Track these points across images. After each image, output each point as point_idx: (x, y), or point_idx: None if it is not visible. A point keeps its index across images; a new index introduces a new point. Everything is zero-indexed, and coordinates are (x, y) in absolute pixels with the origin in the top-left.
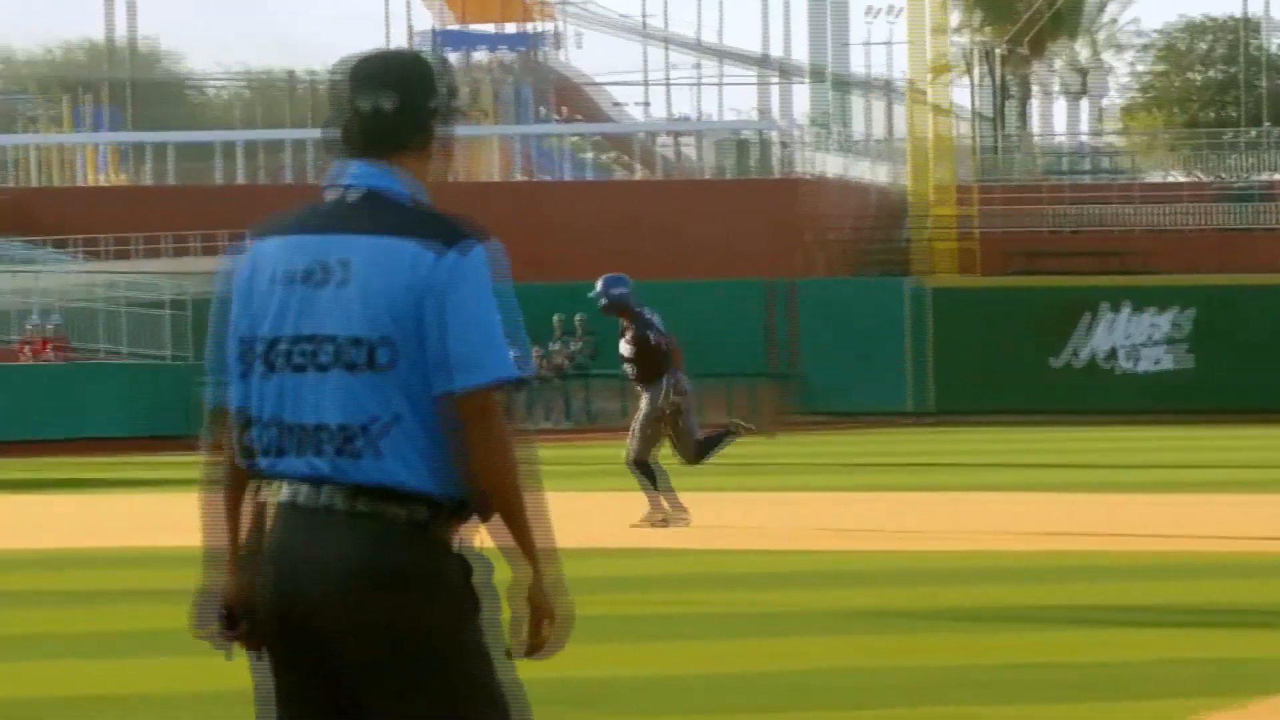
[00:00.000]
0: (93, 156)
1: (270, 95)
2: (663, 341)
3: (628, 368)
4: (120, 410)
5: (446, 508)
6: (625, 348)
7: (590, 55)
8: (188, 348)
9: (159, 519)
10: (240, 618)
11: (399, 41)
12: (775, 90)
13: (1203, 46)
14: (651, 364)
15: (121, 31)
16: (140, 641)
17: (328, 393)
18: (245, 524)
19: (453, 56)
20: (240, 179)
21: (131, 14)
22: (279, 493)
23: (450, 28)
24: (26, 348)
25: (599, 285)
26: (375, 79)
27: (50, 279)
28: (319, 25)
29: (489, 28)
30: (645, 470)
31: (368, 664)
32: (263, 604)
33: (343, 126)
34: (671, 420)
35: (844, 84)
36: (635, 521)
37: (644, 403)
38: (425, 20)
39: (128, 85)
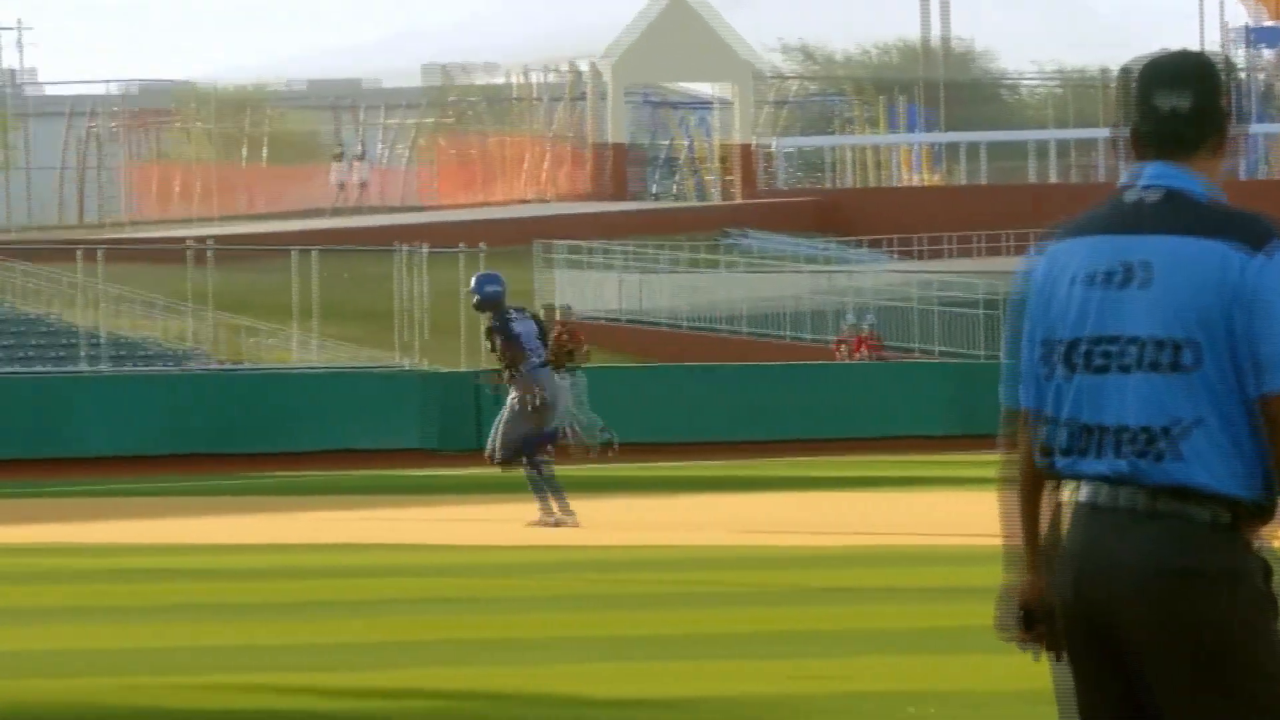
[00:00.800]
0: (907, 157)
1: (1083, 93)
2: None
3: None
4: (933, 409)
5: (1247, 509)
6: None
7: None
8: (1001, 347)
9: (970, 516)
10: (1038, 618)
11: (1212, 38)
12: None
13: None
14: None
15: (936, 32)
16: (953, 638)
17: (1129, 394)
18: (1043, 524)
19: (1266, 54)
20: (1053, 178)
21: (945, 15)
22: (1077, 493)
23: (1266, 24)
24: (843, 346)
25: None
26: (1172, 79)
27: (865, 278)
28: (1130, 20)
29: None
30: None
31: (1166, 664)
32: (1062, 605)
33: (1136, 126)
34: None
35: None
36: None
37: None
38: (1239, 16)
39: (941, 86)
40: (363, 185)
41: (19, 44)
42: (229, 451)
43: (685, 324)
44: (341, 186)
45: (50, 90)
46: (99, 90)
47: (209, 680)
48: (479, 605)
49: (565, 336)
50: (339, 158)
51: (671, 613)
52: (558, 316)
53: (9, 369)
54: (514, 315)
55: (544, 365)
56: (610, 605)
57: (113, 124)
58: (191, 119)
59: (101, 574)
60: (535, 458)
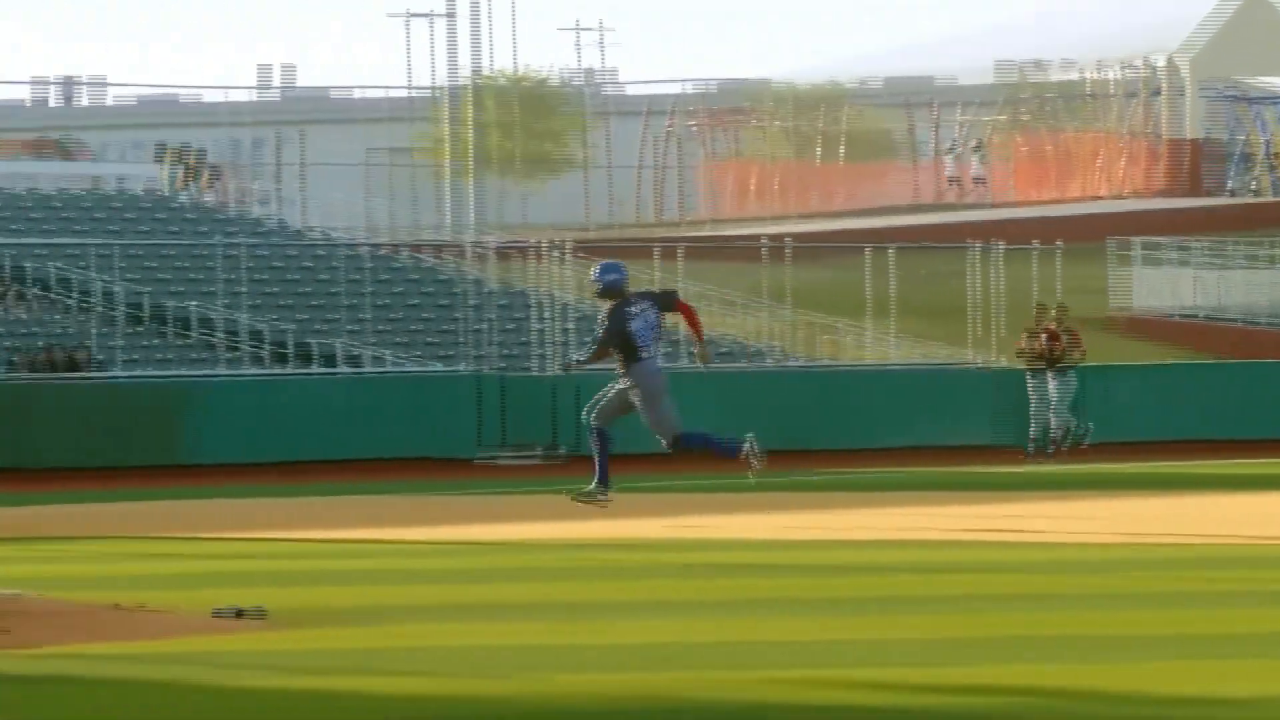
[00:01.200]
0: None
1: None
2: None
3: None
4: None
5: None
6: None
7: None
8: None
9: None
10: None
11: None
12: None
13: None
14: None
15: None
16: None
17: None
18: None
19: None
20: None
21: None
22: None
23: None
24: None
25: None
26: None
27: None
28: None
29: None
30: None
31: None
32: None
33: None
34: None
35: None
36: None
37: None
38: None
39: None
40: (977, 180)
41: (600, 44)
42: (807, 448)
43: (1264, 321)
44: (953, 181)
45: (630, 90)
46: (677, 89)
47: (769, 675)
48: (1041, 602)
49: (1057, 338)
50: (947, 151)
51: (1241, 611)
52: (1053, 315)
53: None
54: (633, 308)
55: (652, 359)
56: (1177, 603)
57: (690, 123)
58: (768, 117)
59: (669, 569)
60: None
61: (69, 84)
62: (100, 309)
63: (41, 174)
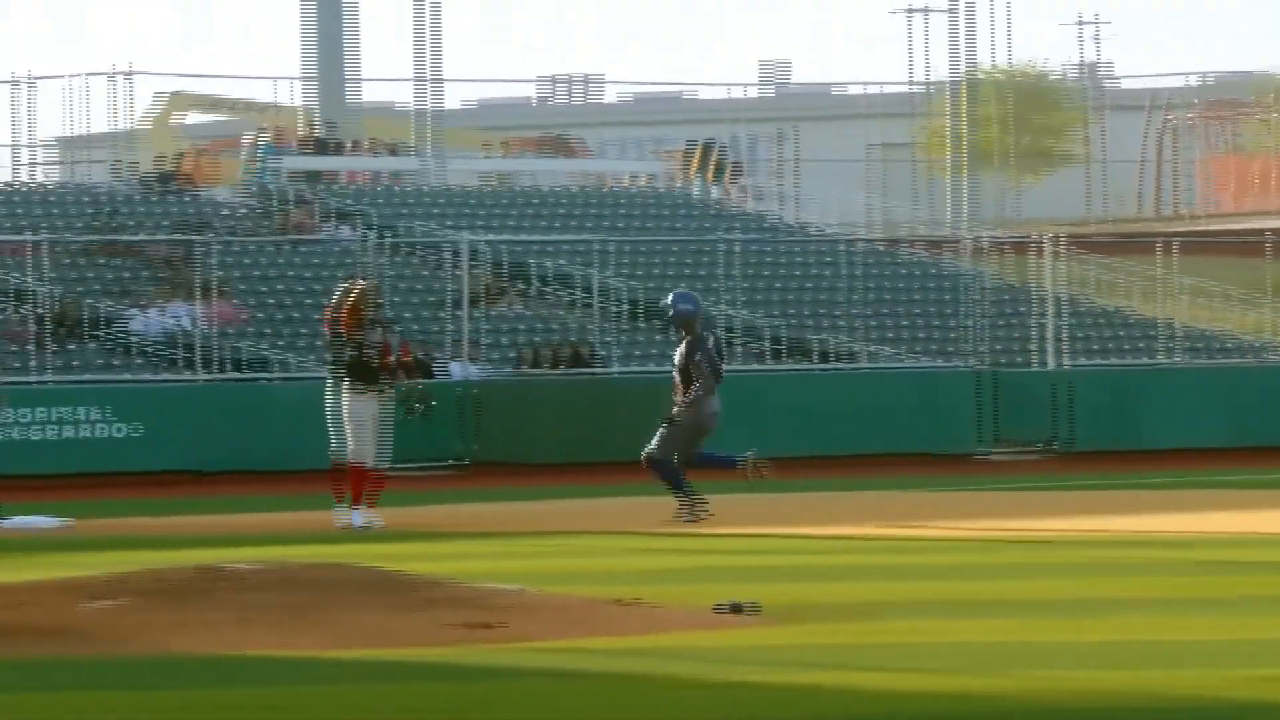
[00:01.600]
0: None
1: None
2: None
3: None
4: None
5: None
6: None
7: None
8: None
9: None
10: None
11: None
12: None
13: None
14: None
15: None
16: None
17: None
18: None
19: None
20: None
21: None
22: None
23: None
24: None
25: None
26: None
27: None
28: None
29: None
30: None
31: None
32: None
33: None
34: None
35: None
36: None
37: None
38: None
39: None
40: None
41: (1096, 38)
42: None
43: None
44: None
45: (1126, 83)
46: (1176, 82)
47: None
48: None
49: None
50: None
51: None
52: None
53: (1088, 362)
54: (709, 339)
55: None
56: None
57: (1189, 116)
58: (1270, 110)
59: (1175, 566)
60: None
61: (569, 82)
62: (601, 305)
63: (544, 171)
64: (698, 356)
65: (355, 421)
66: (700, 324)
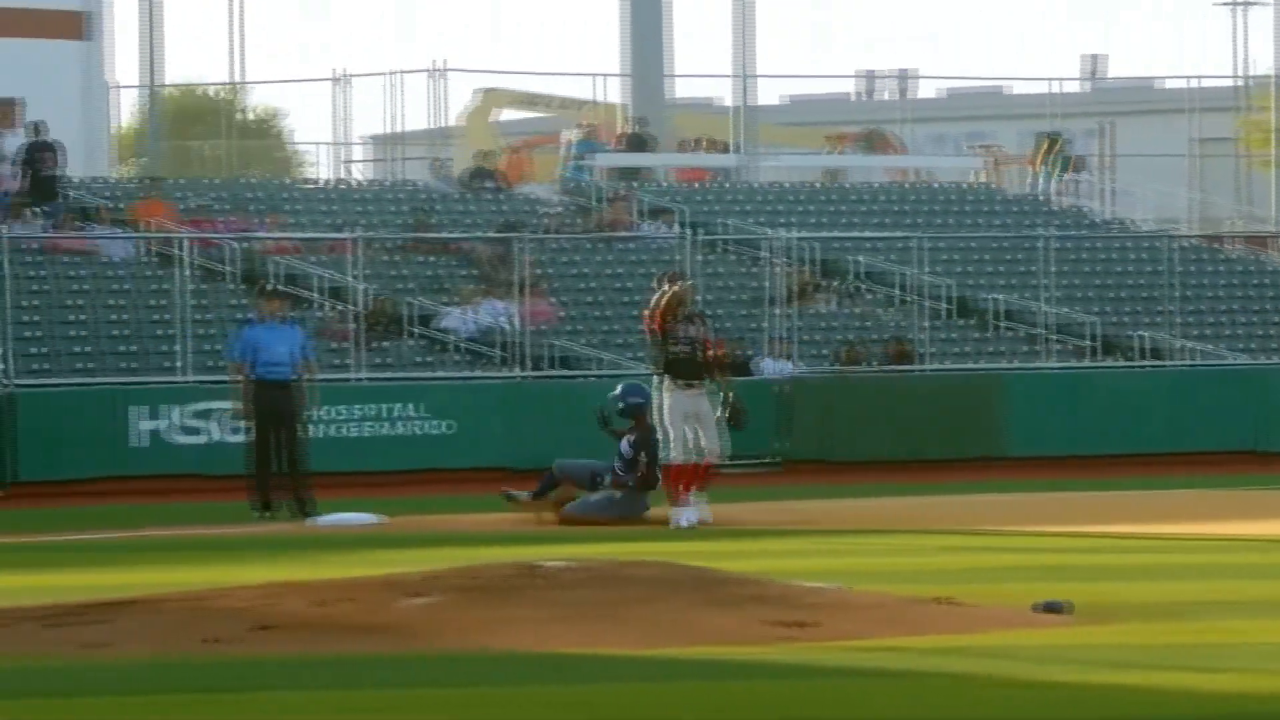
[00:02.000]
0: None
1: None
2: None
3: None
4: None
5: None
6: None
7: None
8: None
9: None
10: None
11: None
12: None
13: None
14: None
15: None
16: None
17: None
18: None
19: None
20: None
21: None
22: None
23: None
24: None
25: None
26: None
27: None
28: None
29: None
30: None
31: None
32: None
33: None
34: None
35: None
36: None
37: None
38: None
39: None
40: None
41: None
42: None
43: None
44: None
45: None
46: None
47: None
48: None
49: None
50: None
51: None
52: None
53: None
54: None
55: None
56: None
57: None
58: None
59: None
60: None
61: (885, 78)
62: (919, 302)
63: (861, 167)
64: (642, 455)
65: (673, 420)
66: (650, 415)
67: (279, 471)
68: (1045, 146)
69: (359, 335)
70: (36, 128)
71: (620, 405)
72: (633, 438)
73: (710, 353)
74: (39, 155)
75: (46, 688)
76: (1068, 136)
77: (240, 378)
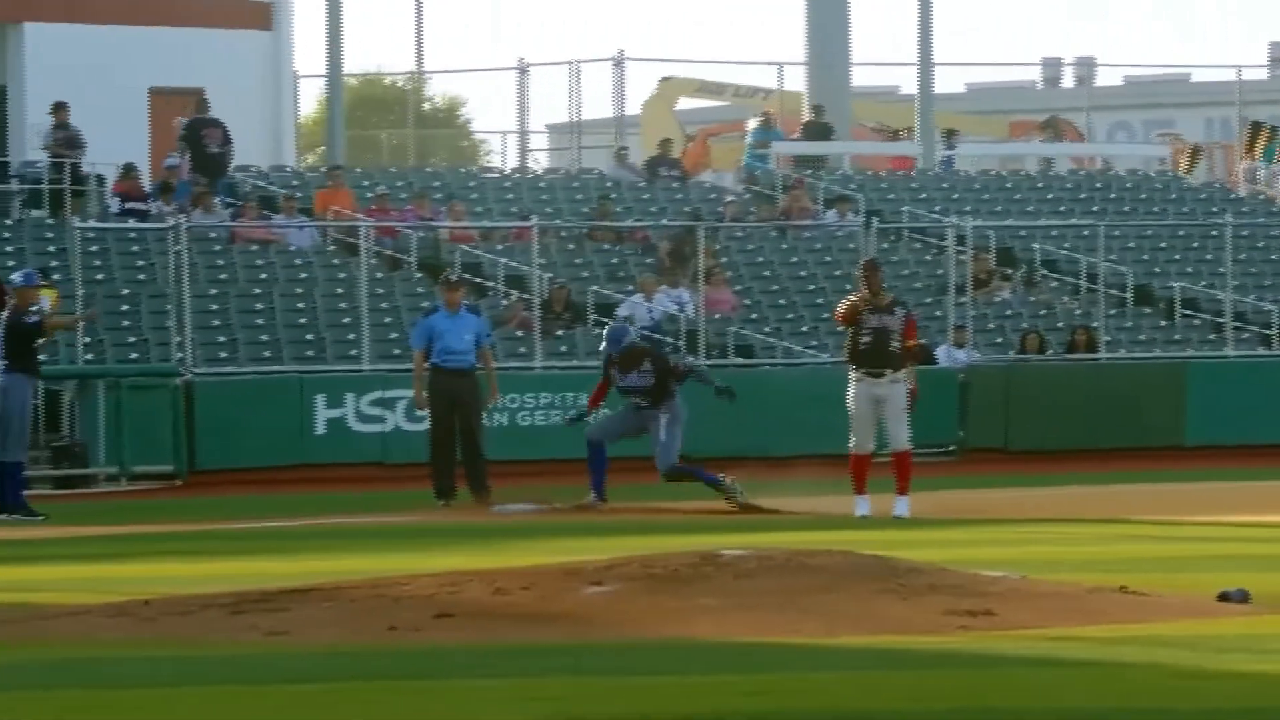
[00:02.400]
0: None
1: None
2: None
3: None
4: None
5: None
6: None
7: None
8: None
9: None
10: None
11: None
12: None
13: None
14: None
15: None
16: None
17: None
18: None
19: None
20: None
21: None
22: None
23: None
24: None
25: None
26: None
27: None
28: None
29: None
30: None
31: None
32: None
33: None
34: None
35: None
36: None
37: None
38: None
39: None
40: None
41: None
42: None
43: None
44: None
45: None
46: None
47: None
48: None
49: None
50: None
51: None
52: None
53: None
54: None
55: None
56: None
57: None
58: None
59: None
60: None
61: (1066, 65)
62: (1100, 291)
63: (1043, 155)
64: (675, 363)
65: (853, 410)
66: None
67: (457, 460)
68: (1256, 134)
69: (537, 324)
70: (199, 103)
71: (615, 352)
72: (644, 367)
73: (911, 342)
74: (201, 131)
75: (230, 675)
76: (1273, 124)
77: (421, 366)
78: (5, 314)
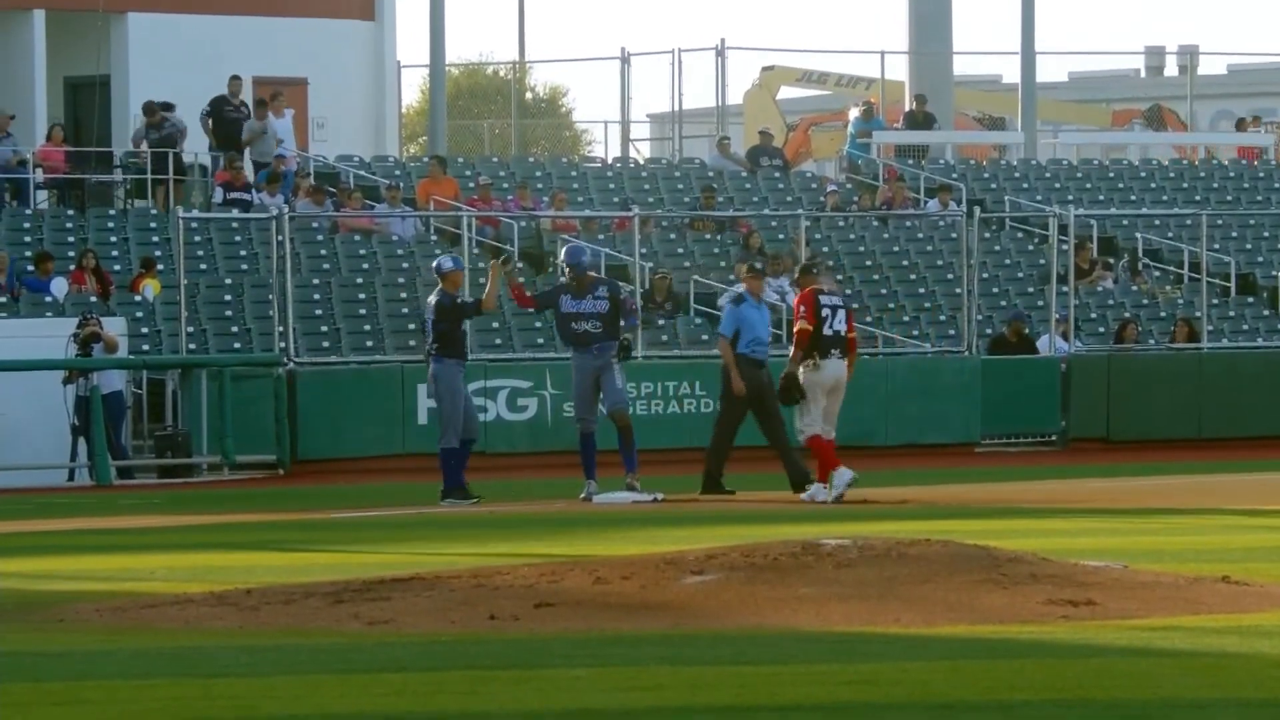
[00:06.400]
0: None
1: None
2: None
3: None
4: None
5: None
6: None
7: None
8: None
9: None
10: None
11: None
12: None
13: None
14: None
15: None
16: None
17: None
18: None
19: None
20: None
21: None
22: None
23: None
24: None
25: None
26: None
27: None
28: None
29: None
30: None
31: None
32: None
33: None
34: None
35: None
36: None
37: None
38: None
39: None
40: None
41: None
42: None
43: None
44: None
45: None
46: None
47: None
48: None
49: None
50: None
51: None
52: None
53: None
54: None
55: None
56: None
57: None
58: None
59: None
60: None
61: (1170, 54)
62: (1196, 279)
63: (1144, 144)
64: (625, 297)
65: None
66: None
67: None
68: None
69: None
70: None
71: (575, 267)
72: (599, 293)
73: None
74: (223, 106)
75: (332, 664)
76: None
77: (730, 353)
78: (433, 299)
